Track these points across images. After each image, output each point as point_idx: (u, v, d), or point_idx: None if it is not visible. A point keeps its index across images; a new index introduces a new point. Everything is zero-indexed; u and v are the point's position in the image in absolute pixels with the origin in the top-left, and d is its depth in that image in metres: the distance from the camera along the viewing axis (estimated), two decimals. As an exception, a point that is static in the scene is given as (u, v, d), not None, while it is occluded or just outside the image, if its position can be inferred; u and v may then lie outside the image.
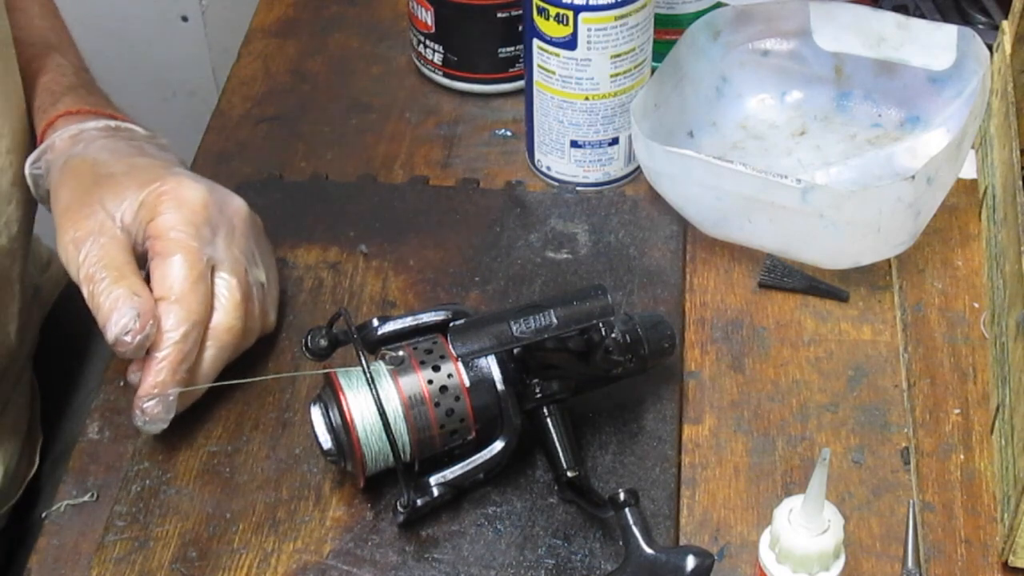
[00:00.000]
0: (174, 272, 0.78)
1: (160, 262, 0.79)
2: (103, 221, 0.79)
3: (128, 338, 0.76)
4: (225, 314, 0.80)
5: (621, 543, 0.72)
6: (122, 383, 0.85)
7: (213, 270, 0.80)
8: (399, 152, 1.02)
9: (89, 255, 0.78)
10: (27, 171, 0.86)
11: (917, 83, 0.97)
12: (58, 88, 0.89)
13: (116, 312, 0.76)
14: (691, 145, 0.96)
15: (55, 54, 0.92)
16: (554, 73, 0.92)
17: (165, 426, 0.78)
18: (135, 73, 1.55)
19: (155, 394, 0.77)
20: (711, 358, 0.86)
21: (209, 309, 0.79)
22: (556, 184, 0.98)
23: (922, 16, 1.03)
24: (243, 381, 0.82)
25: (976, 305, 0.88)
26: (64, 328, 1.01)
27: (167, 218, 0.79)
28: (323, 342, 0.77)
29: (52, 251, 1.10)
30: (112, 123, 0.87)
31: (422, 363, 0.76)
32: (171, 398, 0.77)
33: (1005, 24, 0.91)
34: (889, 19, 0.96)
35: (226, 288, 0.80)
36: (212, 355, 0.80)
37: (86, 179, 0.82)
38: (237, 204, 0.84)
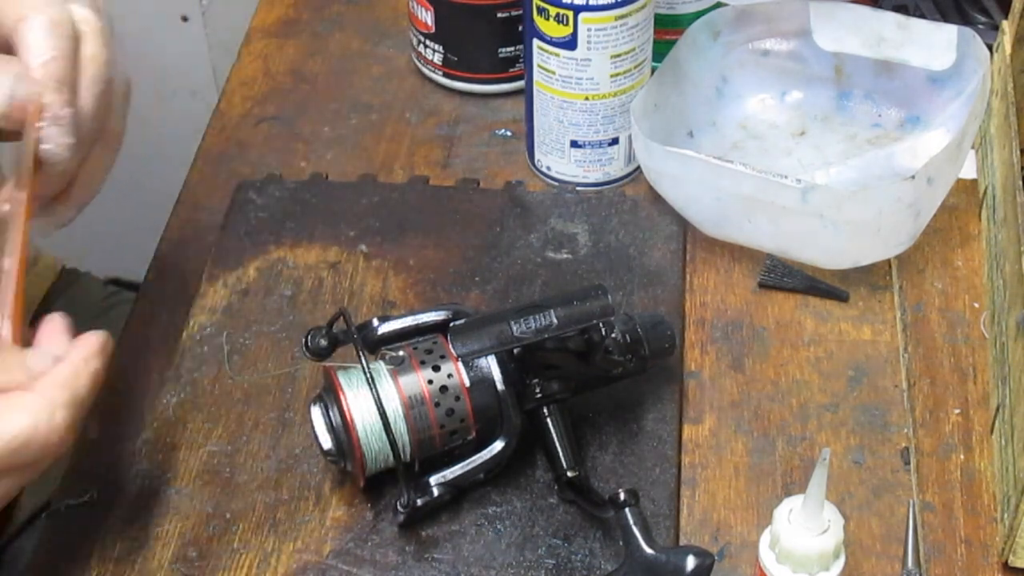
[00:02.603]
0: None
1: None
2: None
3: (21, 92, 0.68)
4: (90, 40, 0.73)
5: (621, 543, 0.72)
6: (122, 383, 0.85)
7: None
8: (399, 152, 1.02)
9: None
10: None
11: (917, 83, 0.97)
12: None
13: None
14: (691, 145, 0.96)
15: None
16: (554, 73, 0.92)
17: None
18: (135, 73, 1.54)
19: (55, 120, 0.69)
20: (711, 358, 0.86)
21: (74, 27, 0.72)
22: (556, 184, 0.98)
23: (922, 16, 1.02)
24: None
25: (976, 305, 0.88)
26: None
27: None
28: (323, 342, 0.77)
29: (38, 249, 1.10)
30: None
31: (422, 363, 0.76)
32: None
33: (1005, 24, 0.91)
34: (889, 19, 0.96)
35: (82, 19, 0.73)
36: (89, 85, 0.72)
37: None
38: None
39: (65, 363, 0.67)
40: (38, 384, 0.66)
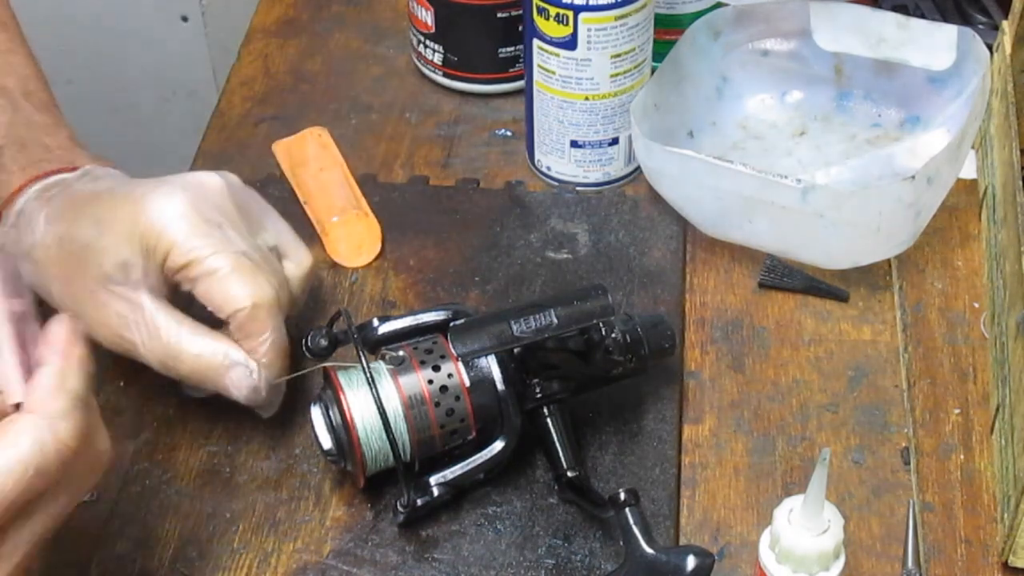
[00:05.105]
0: (235, 289, 0.76)
1: (206, 283, 0.76)
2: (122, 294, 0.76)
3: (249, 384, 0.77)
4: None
5: (621, 543, 0.72)
6: (121, 383, 0.85)
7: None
8: (399, 152, 1.02)
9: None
10: None
11: (917, 83, 0.97)
12: None
13: (231, 370, 0.76)
14: (691, 145, 0.96)
15: None
16: (554, 73, 0.92)
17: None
18: (135, 73, 1.55)
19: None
20: (711, 358, 0.86)
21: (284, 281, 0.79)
22: (556, 184, 0.98)
23: (922, 16, 1.02)
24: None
25: (976, 305, 0.88)
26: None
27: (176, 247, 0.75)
28: (323, 342, 0.77)
29: None
30: (50, 181, 0.79)
31: (422, 363, 0.76)
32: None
33: (1005, 24, 0.91)
34: (889, 19, 0.96)
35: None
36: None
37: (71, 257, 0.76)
38: (211, 183, 0.80)
39: (45, 368, 0.62)
40: (28, 400, 0.61)
